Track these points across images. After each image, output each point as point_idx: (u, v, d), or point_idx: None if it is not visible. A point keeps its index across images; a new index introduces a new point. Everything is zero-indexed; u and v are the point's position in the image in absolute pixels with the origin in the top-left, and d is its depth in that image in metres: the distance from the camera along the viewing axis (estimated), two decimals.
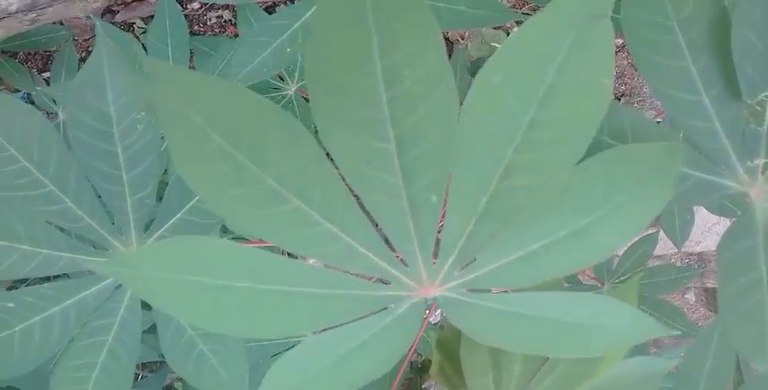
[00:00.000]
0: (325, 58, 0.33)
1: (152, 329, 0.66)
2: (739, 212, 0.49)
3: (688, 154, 0.47)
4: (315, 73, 0.33)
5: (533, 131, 0.35)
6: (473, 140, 0.36)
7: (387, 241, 0.39)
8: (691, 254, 2.06)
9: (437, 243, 0.40)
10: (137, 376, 1.42)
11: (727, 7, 0.45)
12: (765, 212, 0.47)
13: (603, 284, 1.21)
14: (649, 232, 1.22)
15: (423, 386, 1.45)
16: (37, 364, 0.59)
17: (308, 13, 0.65)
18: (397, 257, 0.40)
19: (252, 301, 0.37)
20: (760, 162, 0.47)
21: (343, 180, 0.36)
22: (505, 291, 0.42)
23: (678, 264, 2.06)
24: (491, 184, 0.37)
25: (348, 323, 0.39)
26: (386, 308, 0.39)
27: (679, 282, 1.21)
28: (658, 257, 1.98)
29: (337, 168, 0.36)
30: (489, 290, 0.40)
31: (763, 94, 0.45)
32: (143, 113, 0.57)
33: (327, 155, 0.36)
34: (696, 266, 2.11)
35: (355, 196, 0.37)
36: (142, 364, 1.46)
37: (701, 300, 2.26)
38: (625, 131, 0.47)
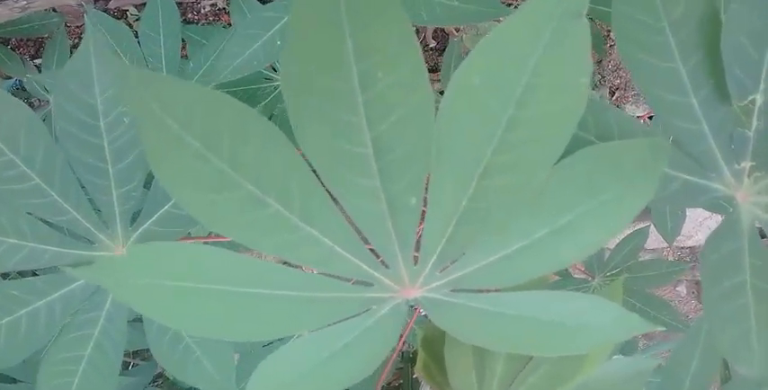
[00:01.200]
0: (300, 62, 0.33)
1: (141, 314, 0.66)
2: (730, 209, 0.49)
3: (675, 155, 0.47)
4: (290, 76, 0.33)
5: (512, 131, 0.35)
6: (451, 141, 0.36)
7: (367, 243, 0.39)
8: (682, 248, 2.07)
9: (418, 244, 0.39)
10: (128, 363, 1.43)
11: (718, 9, 0.45)
12: (750, 215, 0.47)
13: (594, 277, 1.22)
14: (640, 226, 1.22)
15: (414, 376, 1.46)
16: (23, 357, 0.59)
17: None
18: (379, 259, 0.39)
19: (235, 305, 0.37)
20: (746, 165, 0.47)
21: (322, 184, 0.36)
22: (488, 291, 0.41)
23: (670, 257, 2.06)
24: (470, 185, 0.36)
25: (331, 325, 0.39)
26: (368, 310, 0.39)
27: (669, 276, 1.22)
28: (650, 251, 1.98)
29: (315, 172, 0.36)
30: (473, 290, 0.40)
31: (751, 97, 0.45)
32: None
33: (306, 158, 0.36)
34: (688, 259, 2.11)
35: (335, 199, 0.37)
36: (133, 352, 1.46)
37: (693, 293, 2.27)
38: (612, 132, 0.47)
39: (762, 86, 0.45)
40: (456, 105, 0.34)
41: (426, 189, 0.37)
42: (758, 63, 0.45)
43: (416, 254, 0.40)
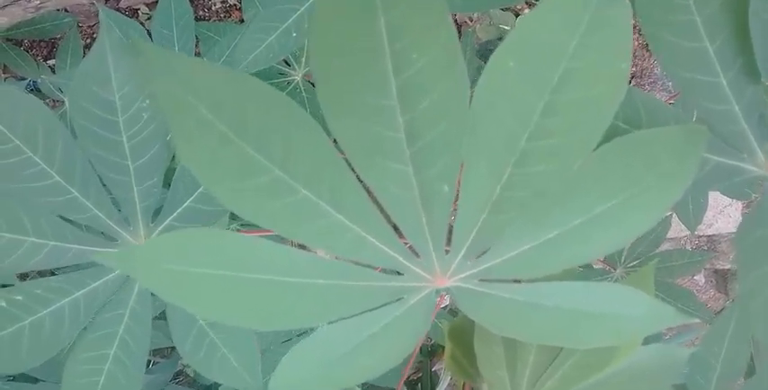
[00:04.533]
0: (330, 44, 0.32)
1: (163, 315, 0.66)
2: (754, 195, 0.48)
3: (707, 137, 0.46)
4: (320, 59, 0.32)
5: (548, 117, 0.34)
6: (486, 127, 0.35)
7: (397, 231, 0.38)
8: (701, 236, 2.05)
9: (449, 232, 0.39)
10: (148, 361, 1.43)
11: None
12: None
13: (615, 268, 1.20)
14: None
15: (433, 369, 1.46)
16: (47, 358, 0.59)
17: None
18: (409, 247, 0.39)
19: (263, 293, 0.37)
20: None
21: (352, 169, 0.36)
22: (518, 281, 0.41)
23: (688, 246, 2.05)
24: (505, 172, 0.36)
25: (361, 313, 0.38)
26: (398, 299, 0.39)
27: (692, 266, 1.20)
28: (669, 240, 1.97)
29: (345, 157, 0.35)
30: (505, 281, 0.39)
31: None
32: (147, 102, 0.56)
33: (335, 143, 0.35)
34: (706, 248, 2.09)
35: (365, 186, 0.36)
36: (153, 350, 1.46)
37: (711, 281, 2.25)
38: (639, 116, 0.46)
39: None
40: (491, 90, 0.34)
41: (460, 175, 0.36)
42: None
43: (448, 243, 0.39)
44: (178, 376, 1.49)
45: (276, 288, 0.37)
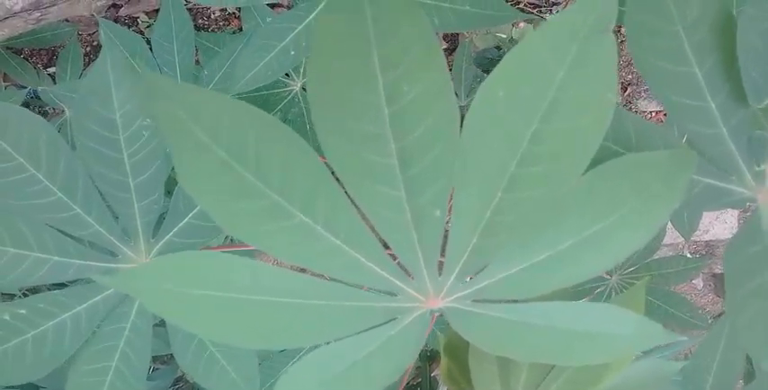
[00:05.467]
0: (326, 74, 0.33)
1: (163, 322, 0.67)
2: (748, 203, 0.49)
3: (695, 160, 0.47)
4: (316, 88, 0.33)
5: (536, 145, 0.35)
6: (476, 154, 0.36)
7: (391, 253, 0.39)
8: (698, 242, 2.06)
9: (442, 255, 0.40)
10: (149, 368, 1.43)
11: (732, 11, 0.45)
12: None
13: (611, 276, 1.21)
14: None
15: (432, 374, 1.46)
16: (50, 370, 0.60)
17: (312, 16, 0.65)
18: (402, 269, 0.40)
19: (261, 313, 0.38)
20: (766, 167, 0.47)
21: (347, 194, 0.37)
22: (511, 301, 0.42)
23: (686, 251, 2.06)
24: (495, 197, 0.37)
25: (357, 333, 0.39)
26: (392, 319, 0.40)
27: (688, 273, 1.21)
28: (668, 245, 1.98)
29: (340, 182, 0.36)
30: (497, 301, 0.40)
31: None
32: (148, 120, 0.57)
33: (330, 168, 0.36)
34: (704, 252, 2.10)
35: (359, 210, 0.37)
36: (153, 356, 1.47)
37: (710, 286, 2.26)
38: (630, 137, 0.47)
39: None
40: (481, 118, 0.35)
41: (451, 200, 0.37)
42: None
43: (441, 261, 0.40)
44: (178, 382, 1.50)
45: (274, 309, 0.38)
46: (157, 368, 1.48)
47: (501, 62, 0.35)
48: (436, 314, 0.43)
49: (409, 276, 0.40)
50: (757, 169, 0.47)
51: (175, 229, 0.60)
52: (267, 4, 1.12)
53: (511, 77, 0.34)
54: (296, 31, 0.64)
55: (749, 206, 0.49)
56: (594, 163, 0.38)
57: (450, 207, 0.38)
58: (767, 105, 0.45)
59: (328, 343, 0.39)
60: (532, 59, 0.34)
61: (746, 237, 0.47)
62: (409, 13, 0.32)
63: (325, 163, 0.36)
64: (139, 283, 0.37)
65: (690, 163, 0.38)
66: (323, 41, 0.32)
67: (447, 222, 0.39)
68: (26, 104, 1.74)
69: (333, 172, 0.36)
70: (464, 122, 0.35)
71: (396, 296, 0.40)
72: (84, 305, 0.60)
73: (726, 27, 0.44)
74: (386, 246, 0.39)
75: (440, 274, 0.40)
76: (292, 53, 0.64)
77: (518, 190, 0.36)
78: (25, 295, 1.07)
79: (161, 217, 0.62)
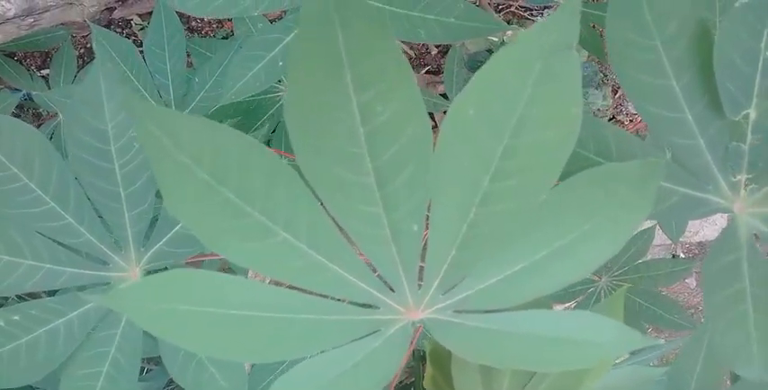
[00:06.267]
0: (300, 95, 0.34)
1: None
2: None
3: (672, 169, 0.48)
4: (293, 110, 0.34)
5: (507, 160, 0.36)
6: (450, 170, 0.37)
7: (372, 268, 0.40)
8: (690, 243, 2.07)
9: (421, 268, 0.41)
10: (142, 369, 1.44)
11: (709, 26, 0.46)
12: (748, 226, 0.48)
13: (601, 278, 1.23)
14: (647, 226, 1.23)
15: (425, 373, 1.47)
16: (43, 374, 0.61)
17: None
18: (384, 283, 0.41)
19: (250, 328, 0.39)
20: (742, 177, 0.48)
21: (327, 211, 0.38)
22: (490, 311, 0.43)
23: (679, 251, 2.07)
24: (470, 211, 0.38)
25: (342, 345, 0.40)
26: (376, 331, 0.41)
27: (677, 275, 1.23)
28: (661, 246, 1.99)
29: (320, 200, 0.37)
30: (476, 311, 0.41)
31: (744, 112, 0.46)
32: None
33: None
34: (697, 253, 2.12)
35: (340, 227, 0.38)
36: (147, 358, 1.48)
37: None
38: (610, 148, 0.48)
39: (755, 101, 0.46)
40: (453, 135, 0.36)
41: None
42: (750, 79, 0.45)
43: (421, 274, 0.41)
44: (171, 383, 1.50)
45: (262, 324, 0.39)
46: (151, 370, 1.49)
47: (470, 81, 0.36)
48: (420, 326, 0.44)
49: (390, 289, 0.41)
50: (733, 179, 0.48)
51: (165, 238, 0.61)
52: None
53: (480, 95, 0.35)
54: (284, 41, 0.65)
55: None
56: (573, 174, 0.39)
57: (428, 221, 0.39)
58: (743, 118, 0.46)
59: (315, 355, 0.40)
60: (500, 78, 0.35)
61: (723, 246, 0.48)
62: (380, 36, 0.33)
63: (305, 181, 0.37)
64: (130, 302, 0.37)
65: (658, 172, 0.39)
66: (297, 65, 0.33)
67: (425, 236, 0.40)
68: (20, 107, 1.74)
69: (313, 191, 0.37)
70: (437, 140, 0.36)
71: (378, 308, 0.41)
72: (77, 312, 0.61)
73: (703, 41, 0.45)
74: (370, 265, 0.40)
75: (419, 287, 0.41)
76: (281, 64, 0.65)
77: (492, 203, 0.37)
78: (22, 299, 1.08)
79: (151, 224, 0.63)
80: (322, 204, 0.37)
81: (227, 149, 0.34)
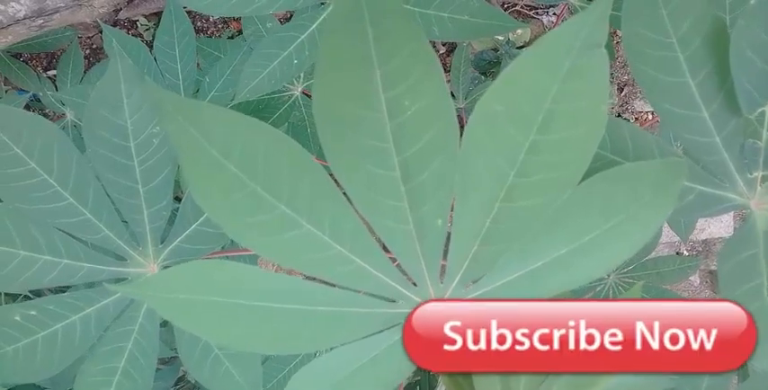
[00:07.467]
0: (330, 91, 0.34)
1: (164, 323, 0.68)
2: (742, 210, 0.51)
3: (689, 167, 0.48)
4: (321, 105, 0.35)
5: (533, 156, 0.37)
6: (475, 165, 0.37)
7: (395, 261, 0.41)
8: (696, 241, 2.08)
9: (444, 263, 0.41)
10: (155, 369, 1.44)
11: (725, 24, 0.46)
12: (764, 222, 0.49)
13: (609, 275, 1.23)
14: None
15: (431, 373, 1.47)
16: (59, 369, 0.61)
17: (314, 26, 0.66)
18: (406, 277, 0.41)
19: (269, 320, 0.39)
20: (758, 174, 0.48)
21: (352, 205, 0.38)
22: None
23: (683, 249, 2.07)
24: (494, 207, 0.38)
25: (361, 338, 0.41)
26: (396, 325, 0.41)
27: (684, 272, 1.23)
28: (666, 243, 1.99)
29: (346, 194, 0.38)
30: None
31: (760, 109, 0.47)
32: (158, 127, 0.59)
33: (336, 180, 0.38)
34: (701, 250, 2.12)
35: (364, 220, 0.39)
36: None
37: (706, 282, 2.27)
38: (626, 146, 0.48)
39: None
40: (479, 131, 0.36)
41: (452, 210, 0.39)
42: (766, 76, 0.46)
43: (443, 264, 0.42)
44: (179, 382, 1.51)
45: (281, 315, 0.39)
46: (159, 369, 1.49)
47: (498, 77, 0.36)
48: None
49: (413, 283, 0.41)
50: (749, 176, 0.48)
51: (183, 235, 0.62)
52: None
53: (508, 91, 0.36)
54: (299, 39, 0.66)
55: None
56: (593, 172, 0.40)
57: (452, 216, 0.40)
58: (759, 115, 0.47)
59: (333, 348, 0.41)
60: (528, 74, 0.35)
61: (740, 242, 0.49)
62: (410, 32, 0.33)
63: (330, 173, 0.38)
64: (152, 291, 0.38)
65: (681, 172, 0.39)
66: (327, 60, 0.34)
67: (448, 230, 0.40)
68: (27, 108, 1.74)
69: (337, 183, 0.38)
70: (464, 135, 0.37)
71: (399, 302, 0.42)
72: (94, 308, 0.62)
73: (719, 39, 0.46)
74: (386, 250, 0.41)
75: (442, 281, 0.41)
76: (295, 62, 0.66)
77: (516, 199, 0.38)
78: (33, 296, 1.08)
79: (169, 221, 0.64)
80: (347, 197, 0.38)
81: (255, 142, 0.35)
